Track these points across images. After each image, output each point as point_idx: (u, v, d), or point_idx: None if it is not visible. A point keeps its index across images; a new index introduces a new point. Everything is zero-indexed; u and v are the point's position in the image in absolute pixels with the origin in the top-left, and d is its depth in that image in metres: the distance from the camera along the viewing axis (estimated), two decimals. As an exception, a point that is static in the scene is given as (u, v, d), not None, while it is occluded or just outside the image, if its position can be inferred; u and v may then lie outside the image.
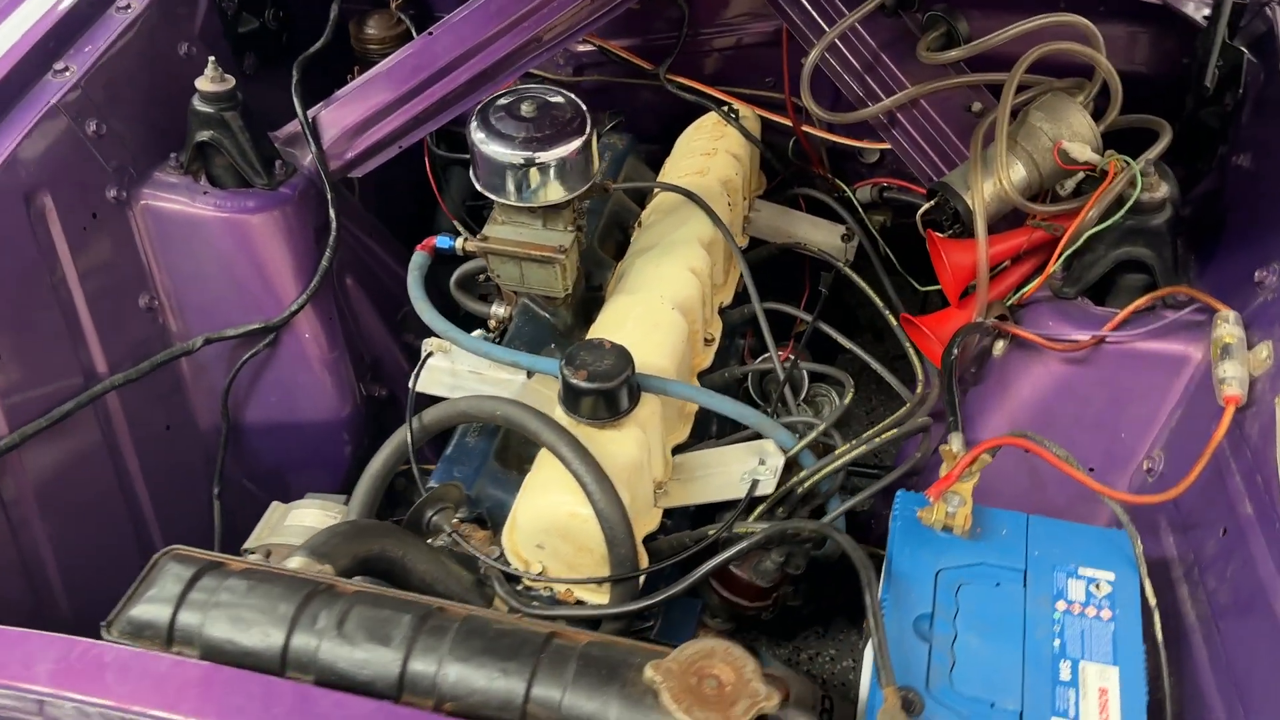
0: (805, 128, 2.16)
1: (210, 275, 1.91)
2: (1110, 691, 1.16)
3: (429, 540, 1.50)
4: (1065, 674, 1.18)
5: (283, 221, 1.91)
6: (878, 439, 1.57)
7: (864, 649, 1.56)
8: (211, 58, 1.85)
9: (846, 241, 2.11)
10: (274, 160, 1.94)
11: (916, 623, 1.24)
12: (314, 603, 1.20)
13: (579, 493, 1.43)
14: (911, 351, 1.78)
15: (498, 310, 1.86)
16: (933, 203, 1.72)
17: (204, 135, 1.87)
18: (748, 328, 2.03)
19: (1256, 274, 1.47)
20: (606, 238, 2.06)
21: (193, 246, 1.90)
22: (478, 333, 1.85)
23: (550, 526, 1.46)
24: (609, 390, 1.48)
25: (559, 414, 1.53)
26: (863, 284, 1.94)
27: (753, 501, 1.58)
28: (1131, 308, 1.55)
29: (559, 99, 1.67)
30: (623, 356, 1.50)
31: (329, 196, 1.95)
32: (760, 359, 1.93)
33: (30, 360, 1.66)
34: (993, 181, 1.66)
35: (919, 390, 1.72)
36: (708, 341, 1.85)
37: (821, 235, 2.12)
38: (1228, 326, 1.43)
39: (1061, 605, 1.25)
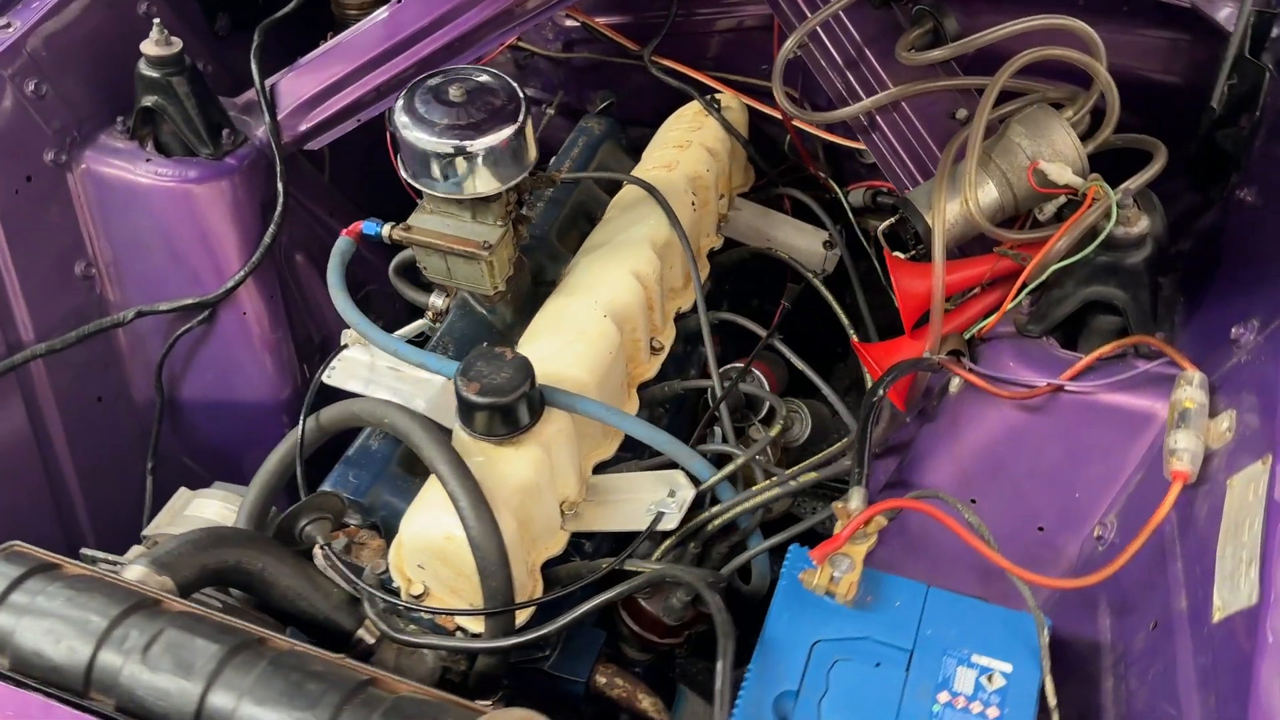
0: (797, 122, 2.00)
1: (151, 246, 1.85)
2: (979, 805, 1.03)
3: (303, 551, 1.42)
4: (932, 779, 1.05)
5: (227, 193, 1.84)
6: (794, 481, 1.43)
7: None
8: (156, 20, 1.77)
9: (828, 250, 1.96)
10: (221, 129, 1.86)
11: (778, 701, 1.11)
12: (130, 619, 1.13)
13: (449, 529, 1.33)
14: (868, 379, 1.64)
15: (436, 301, 1.76)
16: (895, 218, 1.57)
17: (148, 101, 1.81)
18: (714, 335, 1.90)
19: (1233, 330, 1.29)
20: (569, 229, 1.94)
21: (133, 215, 1.84)
22: (418, 323, 1.76)
23: (428, 547, 1.37)
24: (504, 405, 1.36)
25: (456, 428, 1.43)
26: (830, 298, 1.79)
27: (662, 535, 1.47)
28: (1094, 355, 1.38)
29: (492, 81, 1.55)
30: (521, 369, 1.38)
31: (278, 169, 1.87)
32: (722, 370, 1.79)
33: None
34: (959, 201, 1.49)
35: (882, 426, 1.58)
36: (655, 350, 1.73)
37: (803, 241, 1.97)
38: (1190, 390, 1.25)
39: (944, 696, 1.11)
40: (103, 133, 1.85)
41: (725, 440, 1.61)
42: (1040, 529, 1.45)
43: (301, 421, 1.48)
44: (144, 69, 1.79)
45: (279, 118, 1.90)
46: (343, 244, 1.68)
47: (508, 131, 1.51)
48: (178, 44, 1.79)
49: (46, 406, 1.78)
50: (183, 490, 1.68)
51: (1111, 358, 1.39)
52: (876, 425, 1.58)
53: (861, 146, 2.05)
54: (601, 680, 1.51)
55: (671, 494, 1.45)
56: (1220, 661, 1.00)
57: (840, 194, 2.02)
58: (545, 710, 1.01)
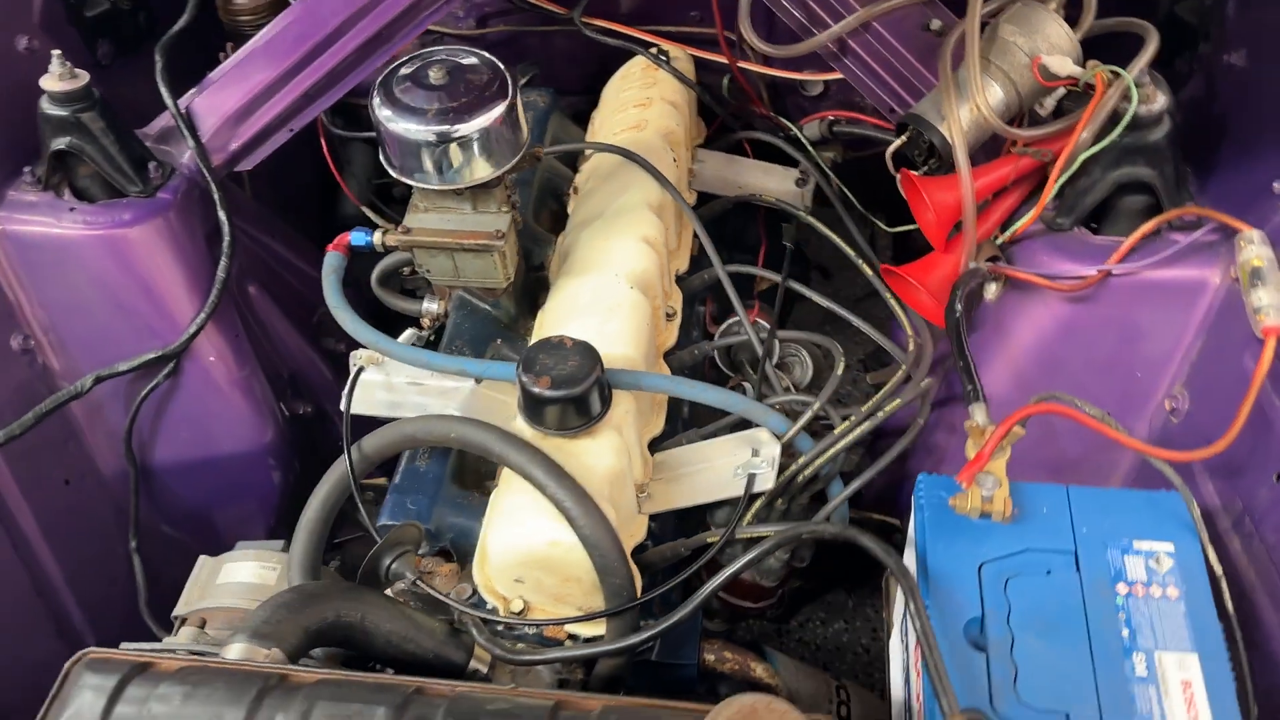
0: (742, 64, 1.96)
1: (91, 303, 1.65)
2: (1194, 684, 1.03)
3: (389, 590, 1.30)
4: (1140, 669, 1.05)
5: (166, 231, 1.66)
6: (881, 412, 1.40)
7: (888, 642, 1.42)
8: (57, 52, 1.57)
9: (802, 186, 1.93)
10: (146, 162, 1.68)
11: (967, 628, 1.08)
12: (266, 703, 1.00)
13: (557, 517, 1.24)
14: (896, 306, 1.62)
15: (430, 306, 1.63)
16: (904, 138, 1.55)
17: (60, 143, 1.60)
18: (707, 294, 1.85)
19: (1276, 185, 1.33)
20: (541, 209, 1.86)
21: (66, 273, 1.64)
22: (409, 333, 1.63)
23: (527, 559, 1.27)
24: (578, 396, 1.28)
25: (520, 426, 1.34)
26: (831, 234, 1.76)
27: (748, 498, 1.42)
28: (1138, 234, 1.40)
29: (472, 60, 1.44)
30: (588, 354, 1.30)
31: (216, 196, 1.70)
32: (723, 328, 1.75)
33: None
34: (968, 108, 1.48)
35: (911, 348, 1.56)
36: (669, 316, 1.66)
37: (775, 182, 1.94)
38: (1255, 248, 1.28)
39: (1123, 588, 1.10)
40: (9, 188, 1.64)
41: (779, 391, 1.57)
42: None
43: (346, 452, 1.35)
44: (49, 108, 1.59)
45: (203, 141, 1.73)
46: (333, 260, 1.55)
47: (500, 109, 1.41)
48: (84, 75, 1.59)
49: (13, 500, 1.57)
50: (203, 559, 1.51)
51: (1148, 236, 1.42)
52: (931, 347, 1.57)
53: (804, 79, 2.05)
54: (710, 658, 1.46)
55: (756, 453, 1.40)
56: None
57: (797, 130, 1.99)
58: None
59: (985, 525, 1.16)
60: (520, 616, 1.32)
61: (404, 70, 1.44)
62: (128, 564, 1.73)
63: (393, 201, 2.18)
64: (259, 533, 1.86)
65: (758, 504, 1.41)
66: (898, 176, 1.57)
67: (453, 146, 1.41)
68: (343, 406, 1.44)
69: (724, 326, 1.77)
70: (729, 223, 1.98)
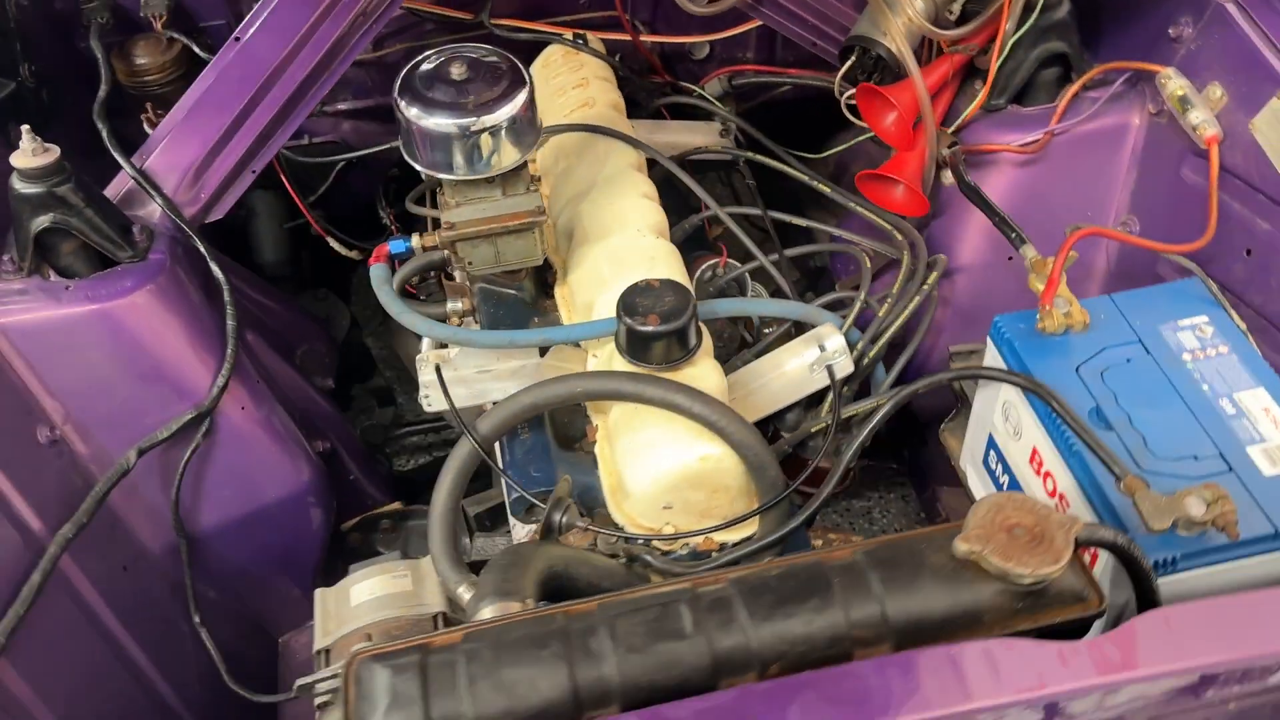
0: (645, 37, 2.12)
1: (109, 379, 1.59)
2: (1271, 408, 1.28)
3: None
4: (1230, 409, 1.29)
5: (169, 291, 1.62)
6: (916, 298, 1.60)
7: (968, 485, 1.61)
8: (25, 127, 1.51)
9: (726, 135, 2.11)
10: (130, 227, 1.63)
11: (1090, 418, 1.29)
12: (574, 633, 1.06)
13: (701, 435, 1.35)
14: (868, 212, 1.82)
15: (456, 305, 1.68)
16: (851, 60, 1.75)
17: (42, 222, 1.53)
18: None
19: (1171, 30, 1.63)
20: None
21: (78, 354, 1.57)
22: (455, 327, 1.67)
23: (680, 480, 1.37)
24: (682, 328, 1.39)
25: (625, 366, 1.43)
26: (785, 167, 1.95)
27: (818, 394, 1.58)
28: (1068, 95, 1.67)
29: (487, 53, 1.53)
30: (680, 291, 1.41)
31: (203, 248, 1.68)
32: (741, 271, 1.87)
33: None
34: (901, 20, 1.71)
35: (902, 243, 1.76)
36: (671, 267, 1.79)
37: (701, 137, 2.10)
38: (1175, 80, 1.58)
39: (1187, 357, 1.35)
40: (-9, 283, 1.55)
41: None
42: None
43: (469, 436, 1.39)
44: (24, 187, 1.52)
45: (170, 197, 1.70)
46: (381, 271, 1.58)
47: (523, 96, 1.50)
48: (54, 149, 1.53)
49: (90, 596, 1.49)
50: (320, 592, 1.51)
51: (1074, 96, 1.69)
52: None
53: (691, 42, 2.23)
54: (819, 543, 1.60)
55: (823, 348, 1.56)
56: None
57: (701, 90, 2.17)
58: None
59: (1066, 339, 1.37)
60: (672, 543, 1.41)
61: (426, 68, 1.50)
62: (194, 640, 1.67)
63: (343, 224, 2.17)
64: (307, 575, 1.84)
65: (829, 399, 1.57)
66: (845, 98, 1.77)
67: (484, 136, 1.48)
68: (432, 407, 1.48)
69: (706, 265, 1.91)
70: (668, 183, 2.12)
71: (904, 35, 1.70)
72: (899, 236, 1.75)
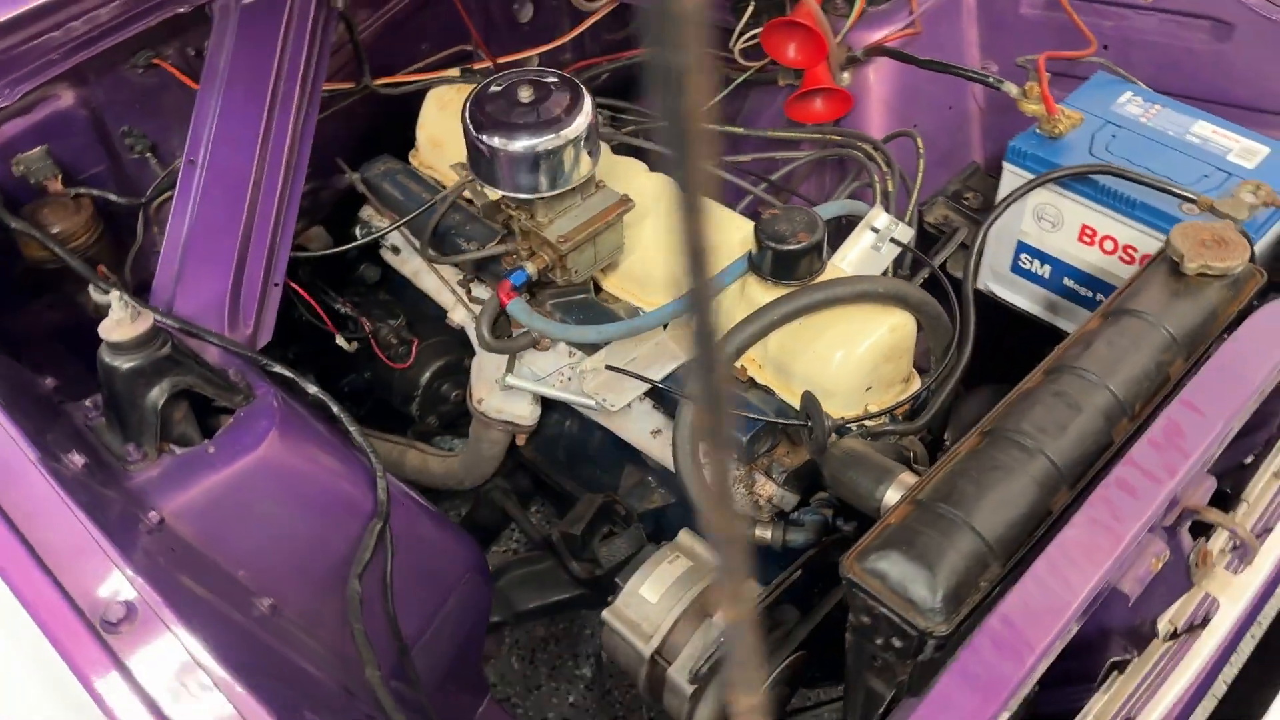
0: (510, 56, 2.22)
1: (288, 524, 1.47)
2: (1215, 129, 1.75)
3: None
4: (1196, 140, 1.74)
5: (293, 418, 1.52)
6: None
7: (985, 285, 1.96)
8: (116, 293, 1.35)
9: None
10: (225, 370, 1.50)
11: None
12: (1008, 448, 1.25)
13: (876, 312, 1.57)
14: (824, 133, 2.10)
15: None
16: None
17: (165, 391, 1.39)
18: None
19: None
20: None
21: (251, 512, 1.43)
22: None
23: (878, 356, 1.58)
24: (820, 241, 1.59)
25: (762, 290, 1.59)
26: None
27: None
28: (919, -17, 2.06)
29: (544, 76, 1.60)
30: (808, 213, 1.60)
31: (289, 373, 1.58)
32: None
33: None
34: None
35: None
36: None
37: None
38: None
39: (1144, 119, 1.79)
40: (126, 480, 1.37)
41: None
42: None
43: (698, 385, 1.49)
44: (126, 362, 1.36)
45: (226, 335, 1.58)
46: (519, 305, 1.62)
47: (589, 104, 1.60)
48: (145, 310, 1.38)
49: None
50: (608, 612, 1.53)
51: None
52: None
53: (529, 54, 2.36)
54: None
55: (875, 229, 1.82)
56: None
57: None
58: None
59: (1069, 138, 1.76)
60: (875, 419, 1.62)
61: (493, 93, 1.55)
62: None
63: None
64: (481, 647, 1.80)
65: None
66: (742, 43, 2.04)
67: (568, 149, 1.57)
68: (617, 405, 1.57)
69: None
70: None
71: (785, -29, 2.00)
72: (859, 144, 2.05)
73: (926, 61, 1.97)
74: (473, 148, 1.58)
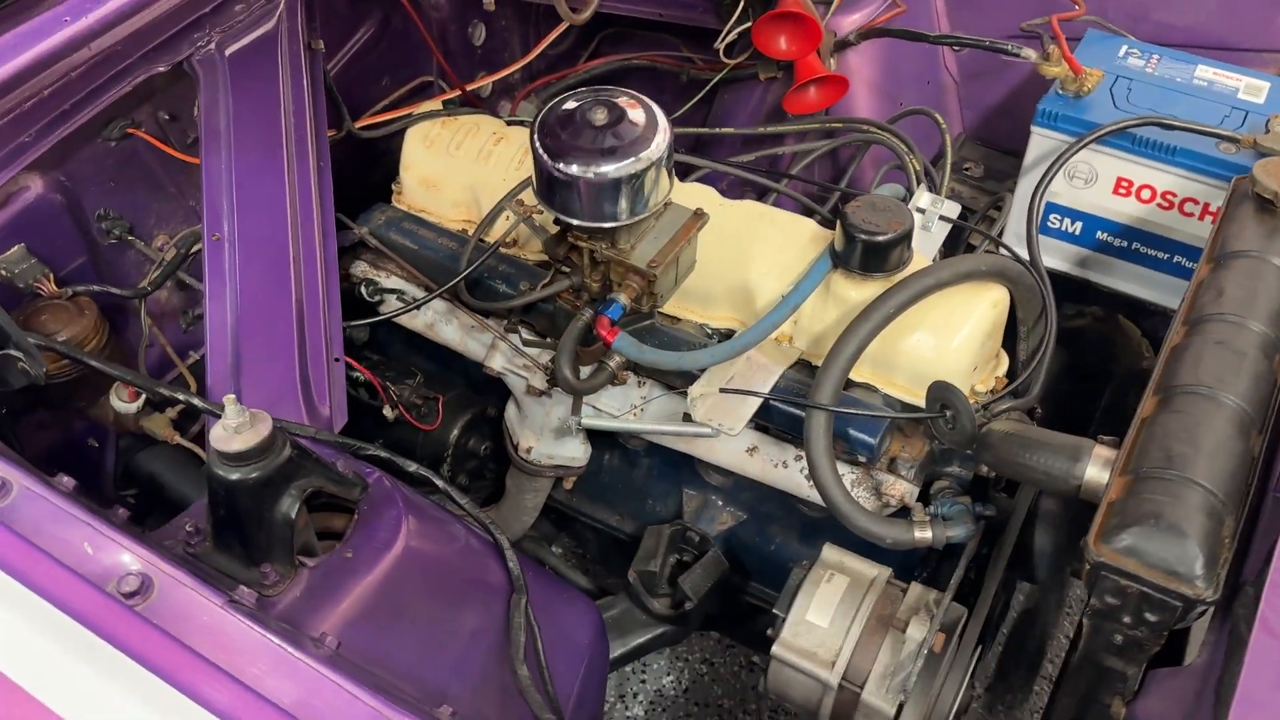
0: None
1: (438, 614, 1.34)
2: (1216, 71, 1.84)
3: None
4: (1202, 84, 1.83)
5: (412, 502, 1.38)
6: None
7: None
8: (230, 396, 1.17)
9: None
10: (335, 464, 1.34)
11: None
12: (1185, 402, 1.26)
13: (974, 292, 1.56)
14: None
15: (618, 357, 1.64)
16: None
17: (295, 497, 1.22)
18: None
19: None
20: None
21: (405, 611, 1.29)
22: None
23: (984, 335, 1.57)
24: (912, 228, 1.56)
25: (846, 283, 1.57)
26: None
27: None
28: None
29: (614, 95, 1.49)
30: (895, 202, 1.57)
31: (382, 454, 1.43)
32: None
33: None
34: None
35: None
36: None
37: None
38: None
39: (1149, 69, 1.86)
40: (271, 609, 1.20)
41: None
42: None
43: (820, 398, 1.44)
44: (253, 472, 1.18)
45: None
46: (627, 340, 1.52)
47: (665, 123, 1.50)
48: (261, 412, 1.21)
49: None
50: (776, 649, 1.45)
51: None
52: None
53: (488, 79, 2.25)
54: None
55: (921, 210, 1.81)
56: None
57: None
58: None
59: (1092, 95, 1.81)
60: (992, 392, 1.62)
61: (563, 115, 1.45)
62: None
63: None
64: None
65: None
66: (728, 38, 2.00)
67: (649, 171, 1.47)
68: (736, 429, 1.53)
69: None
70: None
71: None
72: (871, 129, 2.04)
73: (940, 37, 1.98)
74: (547, 178, 1.46)
